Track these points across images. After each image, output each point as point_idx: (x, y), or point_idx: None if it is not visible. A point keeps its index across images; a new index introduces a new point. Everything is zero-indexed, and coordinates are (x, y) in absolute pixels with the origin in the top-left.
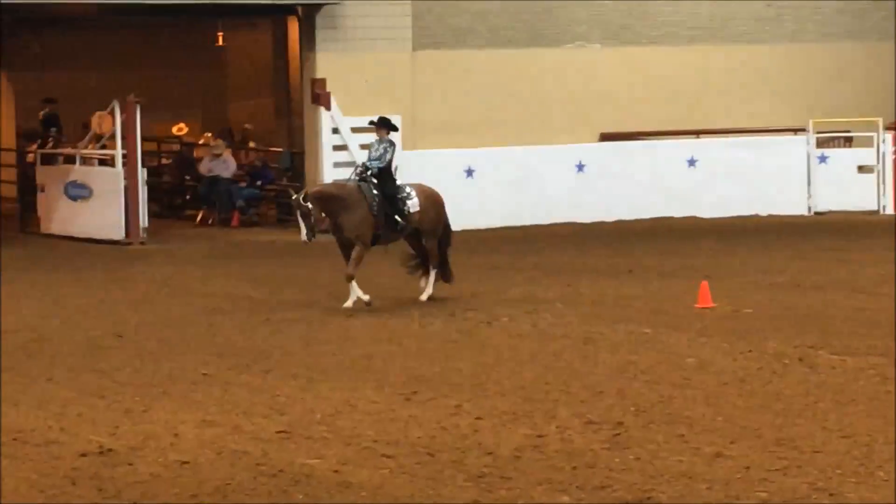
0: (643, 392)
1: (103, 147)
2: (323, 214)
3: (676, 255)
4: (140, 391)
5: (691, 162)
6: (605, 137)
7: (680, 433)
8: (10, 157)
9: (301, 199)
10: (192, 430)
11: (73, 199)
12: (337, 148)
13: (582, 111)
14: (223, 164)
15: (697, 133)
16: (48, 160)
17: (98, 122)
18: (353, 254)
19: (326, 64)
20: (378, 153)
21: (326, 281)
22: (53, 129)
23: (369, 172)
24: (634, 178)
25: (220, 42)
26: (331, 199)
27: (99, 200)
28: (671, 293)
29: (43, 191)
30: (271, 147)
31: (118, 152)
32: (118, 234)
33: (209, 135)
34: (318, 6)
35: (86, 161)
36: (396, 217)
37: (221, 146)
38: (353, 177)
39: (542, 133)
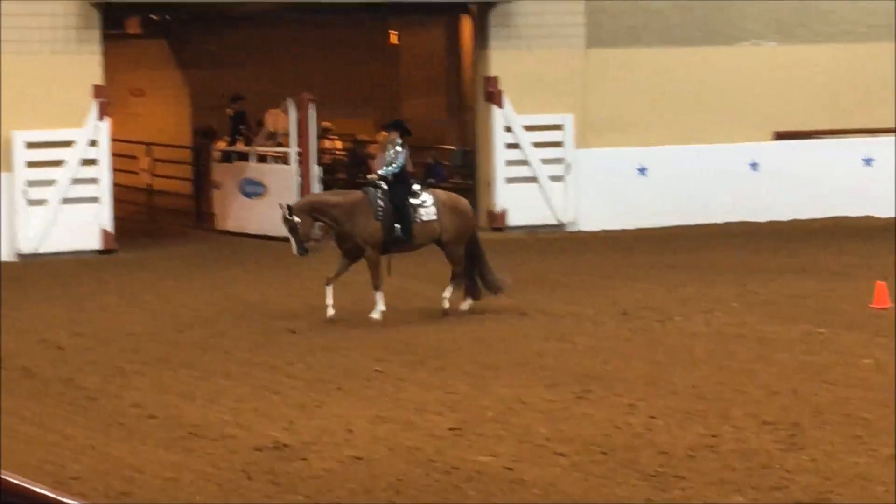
0: (819, 392)
1: (278, 144)
2: (314, 226)
3: (851, 255)
4: (314, 387)
5: (867, 161)
6: (780, 136)
7: (857, 434)
8: (186, 154)
9: (287, 213)
10: (365, 425)
11: (249, 196)
12: (509, 146)
13: (756, 109)
14: None
15: (874, 132)
16: (224, 157)
17: (273, 119)
18: (370, 264)
19: (499, 62)
20: (389, 158)
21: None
22: (243, 127)
23: (386, 180)
24: (809, 176)
25: (394, 40)
26: (330, 208)
27: (273, 197)
28: (846, 293)
29: (219, 188)
30: (443, 145)
31: (292, 150)
32: None
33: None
34: (492, 4)
35: (261, 158)
36: (396, 225)
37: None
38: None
39: (716, 131)
